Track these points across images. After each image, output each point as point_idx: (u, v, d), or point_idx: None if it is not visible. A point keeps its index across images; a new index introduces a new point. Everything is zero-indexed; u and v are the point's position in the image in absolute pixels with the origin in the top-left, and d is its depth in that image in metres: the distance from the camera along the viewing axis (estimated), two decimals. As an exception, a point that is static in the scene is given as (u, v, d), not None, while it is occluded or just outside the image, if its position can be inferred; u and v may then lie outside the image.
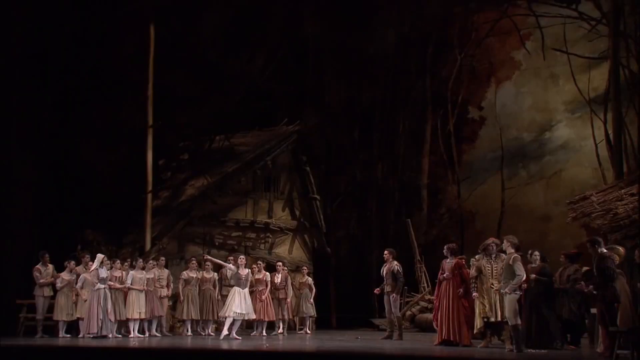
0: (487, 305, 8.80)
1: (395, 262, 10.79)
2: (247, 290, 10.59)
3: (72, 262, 11.22)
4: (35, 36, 14.26)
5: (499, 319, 8.68)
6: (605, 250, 7.52)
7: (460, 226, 17.58)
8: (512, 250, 8.32)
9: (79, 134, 14.56)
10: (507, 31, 17.28)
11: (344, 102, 18.25)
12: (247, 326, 12.63)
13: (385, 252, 10.99)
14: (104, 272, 10.58)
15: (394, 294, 10.59)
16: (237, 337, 10.37)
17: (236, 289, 10.41)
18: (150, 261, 11.86)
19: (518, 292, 8.25)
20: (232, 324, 10.42)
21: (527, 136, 17.42)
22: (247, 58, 16.75)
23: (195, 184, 15.40)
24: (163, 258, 11.96)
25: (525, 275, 8.33)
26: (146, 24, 14.02)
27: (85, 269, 11.01)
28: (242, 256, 10.83)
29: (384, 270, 10.85)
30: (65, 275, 11.00)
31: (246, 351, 8.82)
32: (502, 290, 8.27)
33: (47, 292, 11.00)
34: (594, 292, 7.62)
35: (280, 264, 12.37)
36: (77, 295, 10.79)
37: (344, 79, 18.20)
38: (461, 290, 9.34)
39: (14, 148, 13.93)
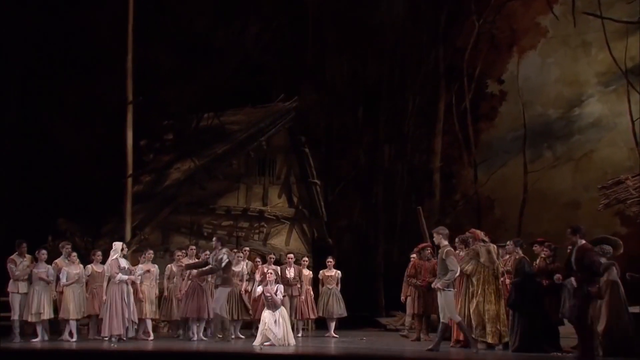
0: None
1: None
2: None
3: (44, 252, 10.59)
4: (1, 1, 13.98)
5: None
6: (583, 241, 7.31)
7: (477, 214, 17.44)
8: (446, 243, 8.31)
9: (51, 112, 14.40)
10: (532, -7, 17.61)
11: (347, 76, 18.05)
12: (244, 326, 12.27)
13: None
14: (124, 262, 10.01)
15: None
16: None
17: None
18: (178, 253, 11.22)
19: (452, 289, 8.30)
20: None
21: (554, 113, 17.10)
22: (239, 27, 16.60)
23: (181, 168, 15.22)
24: (193, 247, 11.46)
25: (459, 270, 8.24)
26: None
27: (68, 260, 10.51)
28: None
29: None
30: (37, 268, 10.35)
31: (245, 353, 8.68)
32: (434, 286, 8.41)
33: (23, 288, 10.32)
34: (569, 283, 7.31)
35: (291, 256, 11.65)
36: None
37: (347, 50, 17.97)
38: None
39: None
